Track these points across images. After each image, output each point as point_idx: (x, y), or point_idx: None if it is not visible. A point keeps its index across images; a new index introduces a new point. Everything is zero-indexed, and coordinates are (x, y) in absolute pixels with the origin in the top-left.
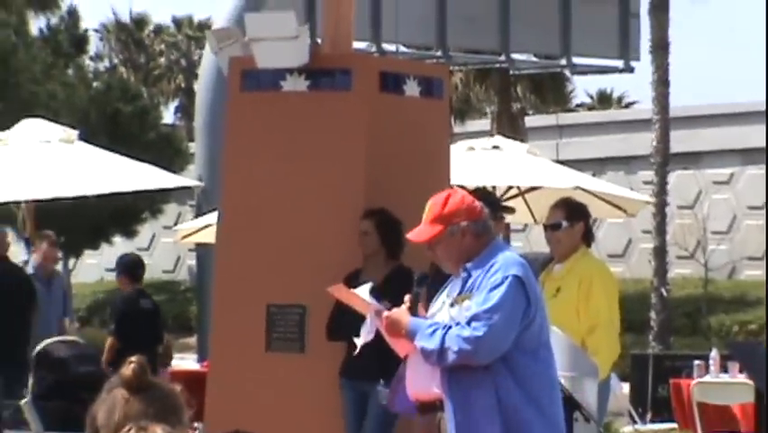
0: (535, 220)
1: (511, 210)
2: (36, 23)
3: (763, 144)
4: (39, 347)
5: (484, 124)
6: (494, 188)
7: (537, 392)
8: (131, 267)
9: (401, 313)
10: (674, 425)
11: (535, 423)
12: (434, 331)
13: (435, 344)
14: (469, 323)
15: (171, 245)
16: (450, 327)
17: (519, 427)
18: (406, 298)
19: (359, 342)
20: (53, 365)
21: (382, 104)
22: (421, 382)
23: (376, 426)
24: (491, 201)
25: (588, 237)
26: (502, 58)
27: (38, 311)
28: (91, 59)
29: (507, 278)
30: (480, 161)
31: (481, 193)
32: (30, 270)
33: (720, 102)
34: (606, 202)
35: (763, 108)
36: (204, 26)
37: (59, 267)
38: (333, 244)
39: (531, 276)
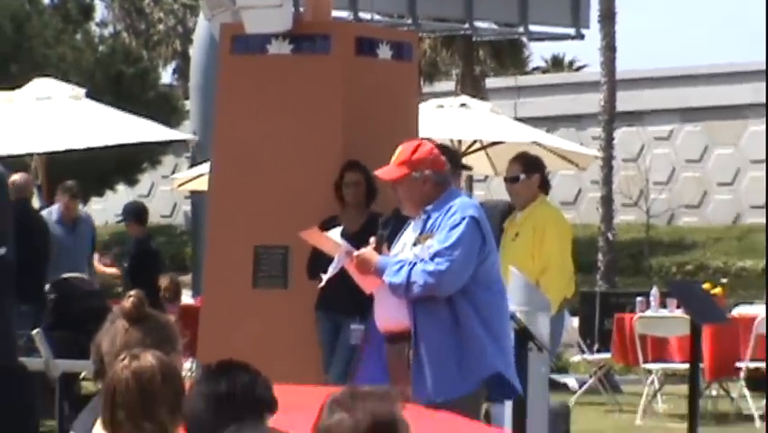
0: (496, 172)
1: (468, 168)
2: None
3: (700, 104)
4: (49, 284)
5: (450, 85)
6: (460, 141)
7: (491, 320)
8: (139, 213)
9: (370, 253)
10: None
11: (489, 346)
12: (401, 267)
13: (402, 278)
14: (432, 258)
15: (169, 193)
16: (415, 264)
17: (474, 349)
18: (372, 239)
19: (324, 276)
20: (62, 299)
21: (358, 66)
22: (389, 315)
23: (345, 358)
24: (452, 157)
25: (545, 187)
26: (466, 26)
27: (52, 252)
28: (97, 25)
29: (464, 218)
30: (447, 117)
31: (443, 149)
32: (54, 216)
33: (661, 66)
34: (559, 156)
35: (699, 72)
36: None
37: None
38: (314, 191)
39: (484, 217)
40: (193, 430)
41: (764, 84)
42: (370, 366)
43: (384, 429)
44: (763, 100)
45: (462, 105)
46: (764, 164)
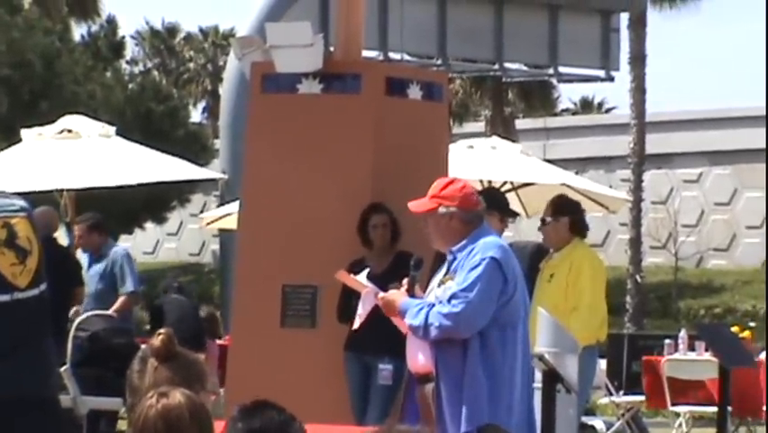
0: (527, 213)
1: (516, 214)
2: (78, 30)
3: (729, 147)
4: (78, 320)
5: (479, 126)
6: (490, 182)
7: (500, 365)
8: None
9: (396, 294)
10: (644, 397)
11: (486, 394)
12: (420, 309)
13: (420, 320)
14: (449, 301)
15: (197, 231)
16: (433, 305)
17: (473, 394)
18: (404, 281)
19: (356, 321)
20: (90, 337)
21: (388, 106)
22: (417, 356)
23: (380, 399)
24: (501, 202)
25: (579, 230)
26: (496, 67)
27: (83, 287)
28: (127, 62)
29: (484, 259)
30: (478, 158)
31: (493, 193)
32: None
33: (690, 108)
34: (589, 199)
35: (728, 115)
36: (228, 35)
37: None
38: (342, 231)
39: (510, 259)
40: None
41: None
42: (408, 407)
43: None
44: None
45: (493, 147)
46: None
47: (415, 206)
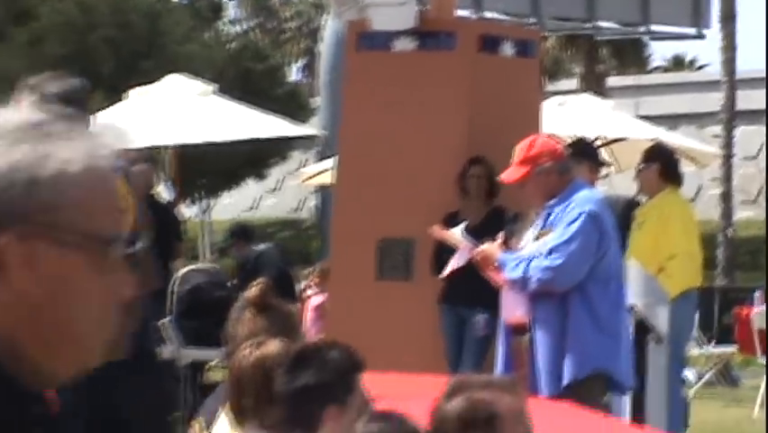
0: (619, 168)
1: (604, 164)
2: None
3: None
4: (179, 273)
5: (572, 84)
6: (581, 139)
7: (604, 316)
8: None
9: (492, 248)
10: (735, 348)
11: (596, 342)
12: (519, 263)
13: (519, 274)
14: (548, 254)
15: (296, 187)
16: (532, 259)
17: (582, 343)
18: (500, 234)
19: (446, 269)
20: (191, 290)
21: (481, 63)
22: (512, 308)
23: (474, 350)
24: (591, 153)
25: (670, 176)
26: (588, 25)
27: (182, 242)
28: (227, 23)
29: (582, 214)
30: (569, 114)
31: (582, 144)
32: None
33: None
34: (680, 154)
35: None
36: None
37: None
38: (438, 185)
39: (606, 213)
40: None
41: None
42: (502, 358)
43: (485, 416)
44: None
45: (584, 103)
46: None
47: (508, 176)
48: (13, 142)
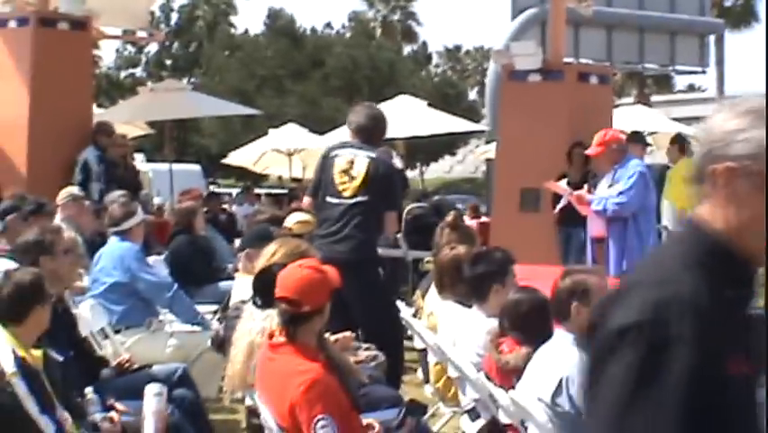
0: (658, 147)
1: (650, 144)
2: (406, 48)
3: None
4: (407, 208)
5: (630, 99)
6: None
7: (644, 232)
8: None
9: (583, 192)
10: None
11: (638, 247)
12: (600, 201)
13: (600, 207)
14: (617, 196)
15: (474, 159)
16: (608, 199)
17: (631, 246)
18: (586, 186)
19: (558, 207)
20: (415, 217)
21: (579, 89)
22: (595, 227)
23: (575, 251)
24: (641, 139)
25: (686, 152)
26: (639, 66)
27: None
28: (434, 66)
29: (635, 172)
30: (630, 117)
31: (637, 134)
32: None
33: None
34: (692, 139)
35: None
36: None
37: None
38: (553, 160)
39: (648, 173)
40: None
41: None
42: (590, 255)
43: (582, 289)
44: None
45: (637, 111)
46: None
47: (590, 151)
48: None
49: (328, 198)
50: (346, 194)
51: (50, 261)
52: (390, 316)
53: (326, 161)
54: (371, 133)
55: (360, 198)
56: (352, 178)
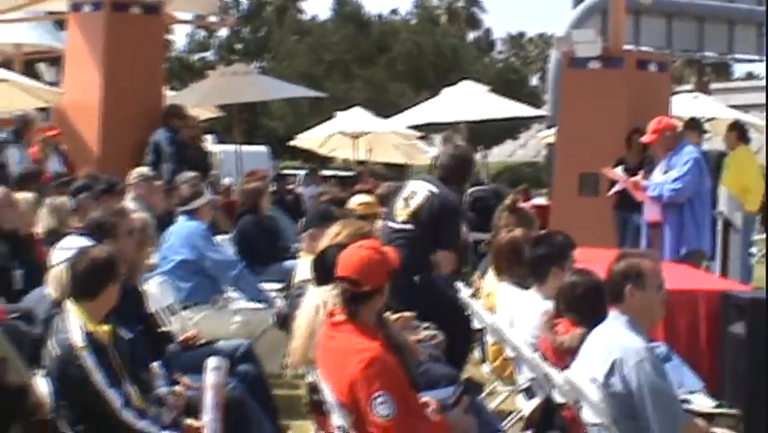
0: (716, 133)
1: (707, 131)
2: (471, 34)
3: None
4: (468, 191)
5: (689, 87)
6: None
7: (700, 215)
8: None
9: (639, 179)
10: None
11: (693, 231)
12: (656, 186)
13: (656, 192)
14: (672, 182)
15: (535, 143)
16: (663, 184)
17: (687, 230)
18: (641, 172)
19: (612, 191)
20: (473, 200)
21: (638, 76)
22: (651, 212)
23: (631, 236)
24: (698, 126)
25: (743, 139)
26: (699, 54)
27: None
28: (498, 53)
29: (690, 159)
30: (691, 104)
31: (694, 120)
32: None
33: None
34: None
35: None
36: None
37: None
38: (612, 146)
39: (703, 159)
40: None
41: None
42: (645, 239)
43: (636, 271)
44: None
45: (695, 97)
46: None
47: (646, 138)
48: None
49: (386, 221)
50: (398, 219)
51: (112, 243)
52: (452, 306)
53: (398, 189)
54: (451, 172)
55: (407, 226)
56: (408, 205)
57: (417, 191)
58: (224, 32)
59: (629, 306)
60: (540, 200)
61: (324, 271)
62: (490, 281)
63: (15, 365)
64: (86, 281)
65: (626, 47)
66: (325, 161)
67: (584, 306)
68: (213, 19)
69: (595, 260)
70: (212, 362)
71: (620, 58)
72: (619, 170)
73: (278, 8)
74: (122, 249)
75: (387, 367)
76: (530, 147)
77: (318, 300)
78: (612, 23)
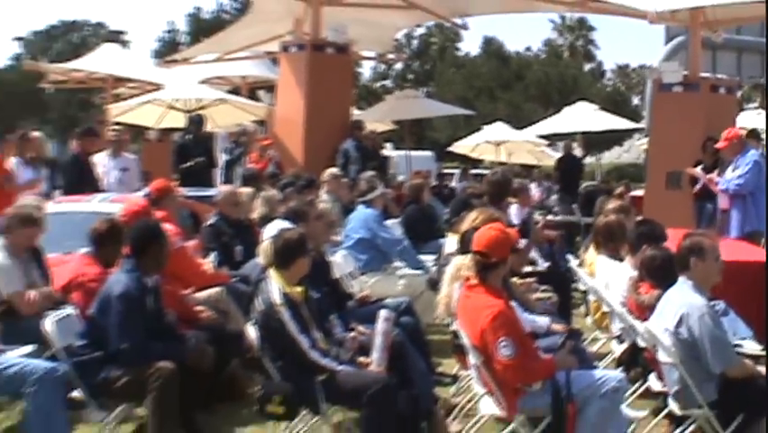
0: None
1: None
2: (587, 67)
3: None
4: (582, 186)
5: (754, 105)
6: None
7: (759, 203)
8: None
9: (713, 175)
10: None
11: (755, 214)
12: (725, 182)
13: (725, 186)
14: (738, 177)
15: (636, 148)
16: (732, 180)
17: (750, 214)
18: (715, 171)
19: (697, 187)
20: (587, 192)
21: (712, 99)
22: (722, 201)
23: (707, 220)
24: (758, 135)
25: None
26: (763, 80)
27: None
28: (607, 80)
29: (751, 160)
30: (756, 118)
31: (756, 131)
32: None
33: None
34: None
35: None
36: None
37: None
38: (693, 155)
39: (763, 160)
40: None
41: None
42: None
43: (698, 247)
44: None
45: (759, 113)
46: None
47: (720, 144)
48: None
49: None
50: None
51: (304, 225)
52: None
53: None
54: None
55: None
56: None
57: None
58: (399, 66)
59: (693, 273)
60: (639, 192)
61: (464, 246)
62: (591, 254)
63: (235, 317)
64: (283, 255)
65: (703, 74)
66: (476, 163)
67: (660, 273)
68: (390, 56)
69: (675, 238)
70: (383, 313)
71: (697, 83)
72: (698, 170)
73: (440, 47)
74: (311, 230)
75: (508, 319)
76: (632, 151)
77: (459, 269)
78: (691, 56)
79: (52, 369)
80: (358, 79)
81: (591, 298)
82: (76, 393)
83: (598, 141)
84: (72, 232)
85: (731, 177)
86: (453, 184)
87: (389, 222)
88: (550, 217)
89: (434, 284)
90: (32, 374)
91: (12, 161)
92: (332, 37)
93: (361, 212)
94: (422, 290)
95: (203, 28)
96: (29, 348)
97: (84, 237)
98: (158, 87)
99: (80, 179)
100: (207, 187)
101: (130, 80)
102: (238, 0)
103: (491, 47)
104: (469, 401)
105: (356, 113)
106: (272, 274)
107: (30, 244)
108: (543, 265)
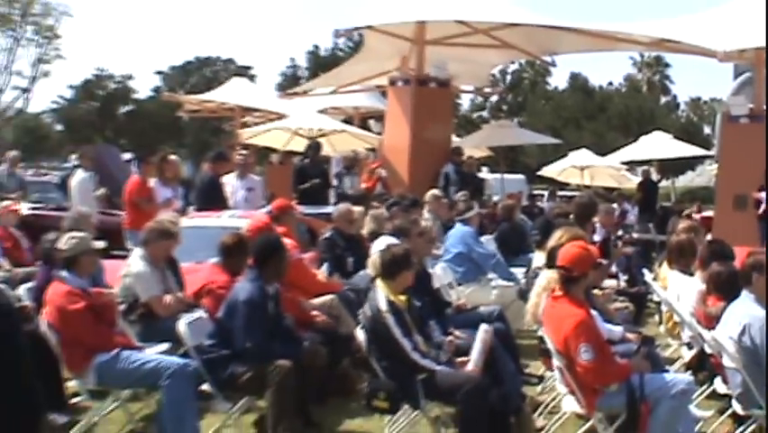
0: None
1: None
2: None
3: None
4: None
5: None
6: None
7: None
8: None
9: None
10: None
11: None
12: None
13: None
14: None
15: (707, 173)
16: None
17: None
18: None
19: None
20: (643, 192)
21: None
22: None
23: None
24: None
25: None
26: None
27: None
28: (681, 113)
29: None
30: None
31: None
32: None
33: None
34: None
35: None
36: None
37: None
38: (756, 176)
39: None
40: None
41: None
42: None
43: (759, 263)
44: None
45: None
46: None
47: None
48: None
49: None
50: None
51: (408, 241)
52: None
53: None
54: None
55: None
56: None
57: None
58: (494, 98)
59: (756, 288)
60: (709, 213)
61: (550, 261)
62: (664, 269)
63: (346, 321)
64: (390, 267)
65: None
66: (563, 186)
67: (726, 287)
68: (486, 89)
69: (742, 255)
70: (484, 326)
71: (762, 115)
72: (763, 195)
73: (531, 82)
74: (414, 245)
75: (589, 327)
76: (704, 176)
77: (546, 281)
78: (756, 91)
79: (185, 365)
80: (458, 110)
81: (664, 308)
82: (205, 387)
83: (673, 166)
84: (204, 244)
85: None
86: (542, 204)
87: (484, 238)
88: (627, 236)
89: (523, 294)
90: (166, 369)
91: (152, 182)
92: (434, 73)
93: (458, 229)
94: (512, 299)
95: (320, 64)
96: (164, 346)
97: (214, 249)
98: (280, 116)
99: (211, 198)
100: (323, 205)
101: (256, 110)
102: (352, 39)
103: (577, 81)
104: (553, 400)
105: (456, 140)
106: (379, 284)
107: (167, 254)
108: (622, 278)
